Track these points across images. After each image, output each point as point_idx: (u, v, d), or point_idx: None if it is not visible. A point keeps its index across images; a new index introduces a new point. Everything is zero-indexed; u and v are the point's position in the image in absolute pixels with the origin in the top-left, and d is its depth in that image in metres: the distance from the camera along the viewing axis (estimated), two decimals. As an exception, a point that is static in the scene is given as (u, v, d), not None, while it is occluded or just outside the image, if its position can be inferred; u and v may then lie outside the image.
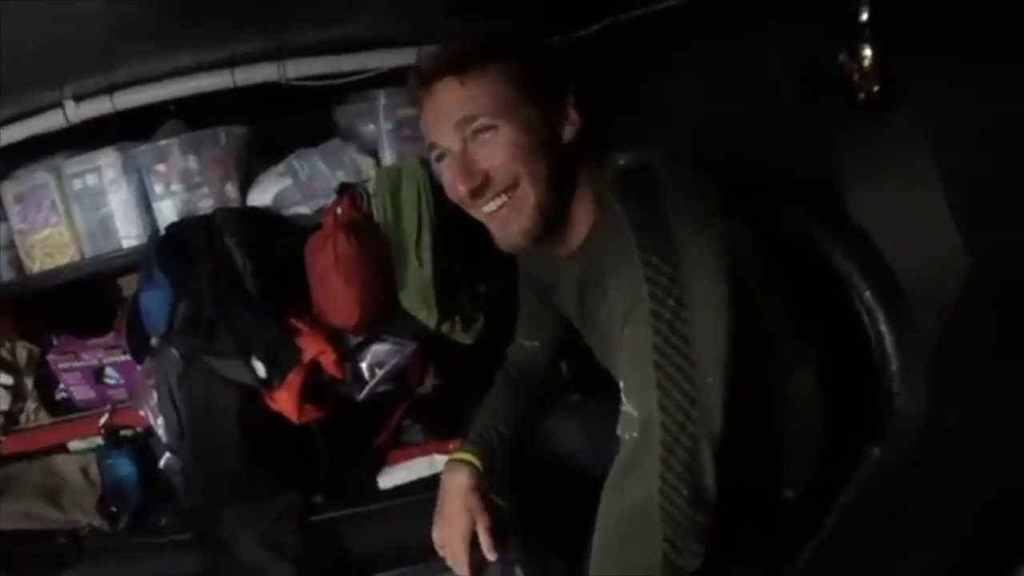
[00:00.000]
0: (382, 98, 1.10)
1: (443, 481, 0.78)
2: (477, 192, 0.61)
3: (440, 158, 0.64)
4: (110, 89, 1.15)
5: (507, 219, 0.63)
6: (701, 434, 0.54)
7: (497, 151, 0.60)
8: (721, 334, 0.55)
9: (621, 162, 0.65)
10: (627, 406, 0.57)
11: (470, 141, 0.61)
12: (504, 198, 0.62)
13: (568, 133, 0.63)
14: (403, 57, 1.06)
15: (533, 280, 0.82)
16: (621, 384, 0.58)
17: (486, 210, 0.63)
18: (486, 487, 0.77)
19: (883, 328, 0.65)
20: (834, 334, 0.68)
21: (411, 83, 0.65)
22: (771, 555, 0.69)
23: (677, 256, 0.56)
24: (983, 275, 0.61)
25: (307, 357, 1.03)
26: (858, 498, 0.66)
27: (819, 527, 0.67)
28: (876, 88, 0.65)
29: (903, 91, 0.65)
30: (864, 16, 0.65)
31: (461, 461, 0.77)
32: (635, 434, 0.56)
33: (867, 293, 0.66)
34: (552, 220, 0.63)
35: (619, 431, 0.58)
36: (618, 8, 0.98)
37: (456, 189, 0.62)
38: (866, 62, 0.65)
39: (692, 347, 0.54)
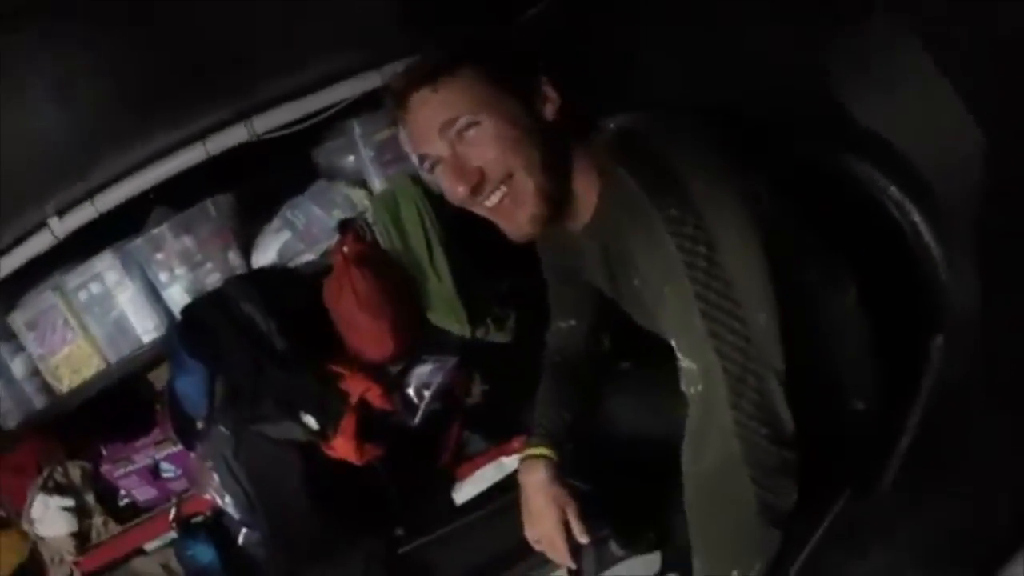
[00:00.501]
0: (356, 127, 1.11)
1: (521, 480, 0.79)
2: (476, 189, 0.62)
3: (433, 168, 0.65)
4: (89, 194, 1.16)
5: (511, 209, 0.63)
6: (764, 370, 0.55)
7: (486, 146, 0.61)
8: (757, 270, 0.55)
9: (612, 126, 0.66)
10: (685, 361, 0.58)
11: (457, 143, 0.62)
12: (504, 189, 0.62)
13: (550, 112, 0.64)
14: (367, 82, 1.07)
15: (556, 267, 0.83)
16: (673, 342, 0.59)
17: (488, 205, 0.63)
18: (563, 475, 0.77)
19: (916, 219, 0.65)
20: (873, 247, 0.68)
21: (388, 105, 0.66)
22: (861, 471, 0.69)
23: (695, 203, 0.56)
24: (998, 159, 0.61)
25: (354, 398, 1.03)
26: (934, 394, 0.66)
27: (903, 432, 0.67)
28: None
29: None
30: None
31: (535, 456, 0.78)
32: (700, 387, 0.57)
33: (892, 188, 0.66)
34: (555, 200, 0.64)
35: (683, 388, 0.59)
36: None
37: (455, 191, 0.63)
38: None
39: (733, 288, 0.55)
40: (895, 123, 0.69)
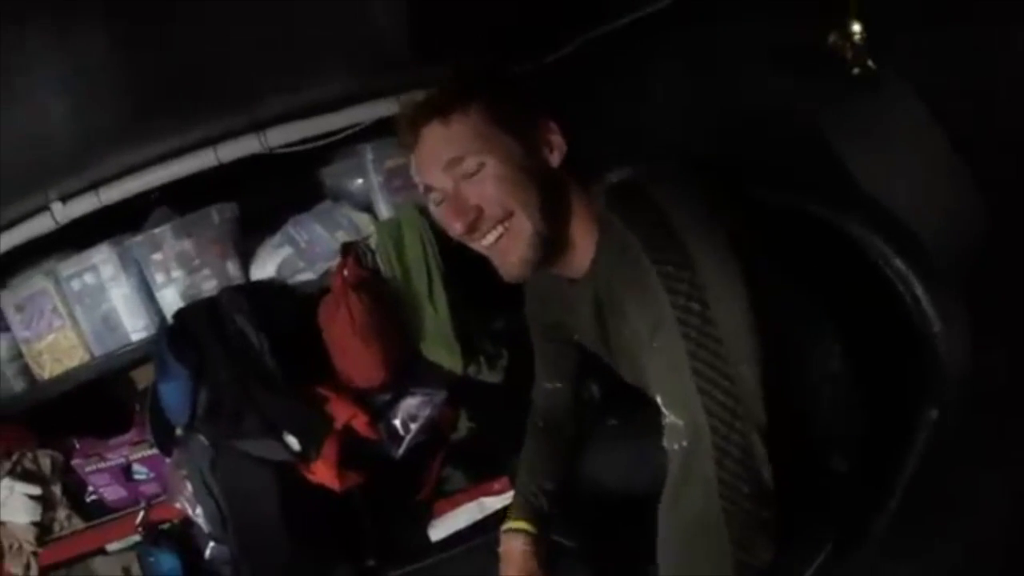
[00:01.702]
0: (369, 152, 1.12)
1: (501, 551, 0.82)
2: (472, 226, 0.64)
3: (436, 200, 0.67)
4: (95, 185, 1.17)
5: (507, 249, 0.65)
6: (749, 428, 0.56)
7: (487, 186, 0.63)
8: (746, 327, 0.56)
9: (613, 180, 0.68)
10: (670, 418, 0.58)
11: (460, 180, 0.64)
12: (500, 229, 0.64)
13: (555, 159, 0.66)
14: (383, 108, 1.08)
15: (544, 323, 0.84)
16: (659, 398, 0.60)
17: (485, 243, 0.66)
18: (543, 549, 0.80)
19: (919, 292, 0.66)
20: (863, 307, 0.70)
21: (400, 130, 0.68)
22: (845, 529, 0.70)
23: (690, 260, 0.57)
24: (997, 220, 0.62)
25: (339, 423, 1.04)
26: (923, 463, 0.67)
27: (888, 498, 0.69)
28: (870, 62, 0.68)
29: (886, 57, 0.67)
30: None
31: (514, 530, 0.81)
32: (685, 443, 0.57)
33: (896, 260, 0.67)
34: (551, 245, 0.66)
35: (665, 443, 0.59)
36: (585, 27, 1.00)
37: (453, 227, 0.65)
38: (856, 38, 0.68)
39: (724, 345, 0.56)
40: (893, 186, 0.70)
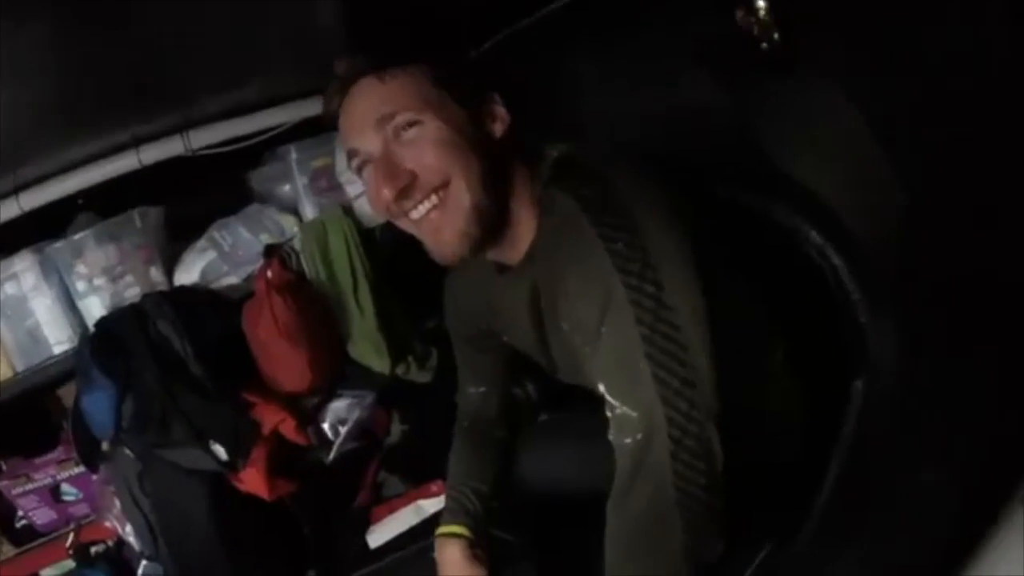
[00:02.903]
0: (293, 152, 1.12)
1: (437, 558, 0.81)
2: (404, 193, 0.58)
3: (361, 167, 0.62)
4: (15, 190, 1.15)
5: (440, 224, 0.59)
6: (705, 417, 0.53)
7: (424, 148, 0.58)
8: (702, 312, 0.54)
9: (555, 153, 0.64)
10: (621, 408, 0.55)
11: (392, 141, 0.59)
12: (435, 199, 0.59)
13: (498, 129, 0.62)
14: (309, 109, 1.09)
15: (466, 326, 0.82)
16: (603, 387, 0.56)
17: (415, 216, 0.60)
18: (481, 550, 0.79)
19: (836, 262, 0.66)
20: (795, 292, 0.71)
21: (329, 92, 0.62)
22: (783, 523, 0.70)
23: (642, 238, 0.54)
24: (918, 205, 0.65)
25: (267, 429, 1.03)
26: (854, 441, 0.67)
27: (821, 485, 0.69)
28: (776, 35, 0.69)
29: (804, 41, 0.70)
30: None
31: (447, 535, 0.80)
32: (639, 436, 0.54)
33: (813, 232, 0.68)
34: (491, 221, 0.61)
35: (612, 437, 0.56)
36: (509, 20, 1.02)
37: (380, 194, 0.59)
38: (762, 12, 0.70)
39: (680, 331, 0.53)
40: (817, 171, 0.71)
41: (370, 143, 0.59)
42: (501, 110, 0.62)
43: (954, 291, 0.61)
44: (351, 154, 0.62)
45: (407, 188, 0.58)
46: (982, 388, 0.58)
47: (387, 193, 0.58)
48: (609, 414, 0.56)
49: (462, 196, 0.59)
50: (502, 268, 0.67)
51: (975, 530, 0.48)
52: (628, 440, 0.55)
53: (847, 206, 0.70)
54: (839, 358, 0.69)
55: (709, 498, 0.54)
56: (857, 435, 0.68)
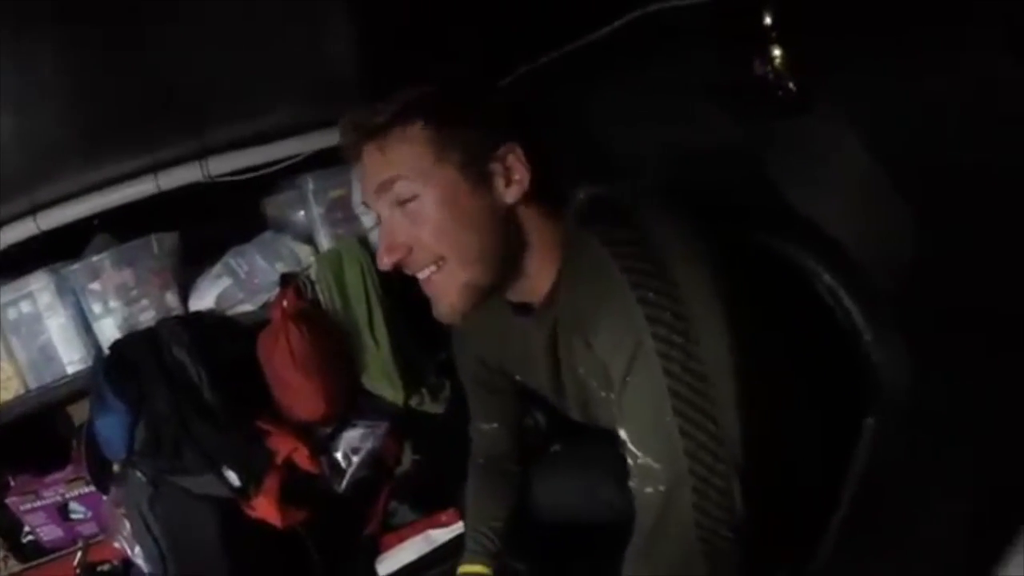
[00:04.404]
0: (310, 183, 1.15)
1: None
2: (399, 265, 0.61)
3: (375, 221, 0.68)
4: (32, 210, 1.18)
5: (438, 290, 0.61)
6: (730, 471, 0.53)
7: (420, 227, 0.59)
8: (730, 363, 0.54)
9: (582, 196, 0.64)
10: (644, 458, 0.55)
11: (394, 208, 0.60)
12: (433, 267, 0.60)
13: (512, 193, 0.60)
14: (326, 139, 1.12)
15: (477, 364, 0.83)
16: (625, 435, 0.56)
17: (419, 277, 0.62)
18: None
19: (848, 304, 0.67)
20: (809, 333, 0.73)
21: (343, 147, 0.64)
22: (796, 552, 0.72)
23: (673, 287, 0.54)
24: (930, 242, 0.67)
25: (280, 458, 1.06)
26: (866, 474, 0.68)
27: (833, 515, 0.70)
28: (791, 84, 0.72)
29: (818, 88, 0.72)
30: (768, 20, 0.72)
31: (469, 574, 0.83)
32: (661, 488, 0.54)
33: (826, 276, 0.69)
34: (488, 292, 0.62)
35: (633, 485, 0.57)
36: (528, 57, 1.05)
37: (380, 261, 0.62)
38: (777, 61, 0.72)
39: (708, 384, 0.53)
40: (827, 211, 0.72)
41: (377, 206, 0.62)
42: (520, 168, 0.60)
43: (966, 328, 0.63)
44: (367, 206, 0.65)
45: (403, 260, 0.61)
46: (993, 420, 0.61)
47: (386, 261, 0.61)
48: (631, 462, 0.56)
49: (456, 274, 0.60)
50: (518, 308, 0.68)
51: (988, 557, 0.49)
52: (650, 490, 0.55)
53: (858, 244, 0.72)
54: (850, 391, 0.71)
55: (732, 548, 0.55)
56: (869, 469, 0.70)
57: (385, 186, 0.59)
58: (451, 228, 0.59)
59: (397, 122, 0.59)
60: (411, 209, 0.59)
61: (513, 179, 0.60)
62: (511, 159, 0.60)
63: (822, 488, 0.71)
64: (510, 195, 0.60)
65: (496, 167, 0.60)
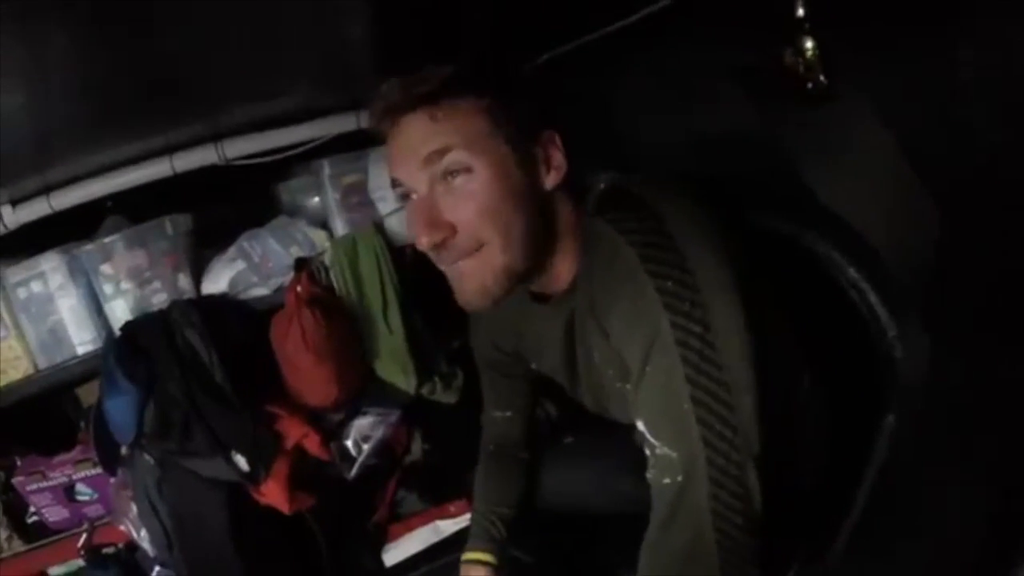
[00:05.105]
0: (327, 168, 1.15)
1: None
2: (440, 246, 0.58)
3: (404, 197, 0.61)
4: (46, 190, 1.19)
5: (468, 273, 0.59)
6: (745, 458, 0.54)
7: (467, 203, 0.57)
8: (746, 352, 0.54)
9: (602, 185, 0.63)
10: (662, 448, 0.55)
11: (438, 182, 0.57)
12: (469, 260, 0.59)
13: (552, 180, 0.59)
14: (343, 124, 1.12)
15: (494, 352, 0.83)
16: (643, 425, 0.56)
17: (450, 263, 0.60)
18: (505, 562, 0.83)
19: (873, 299, 0.68)
20: (829, 324, 0.73)
21: (376, 113, 0.60)
22: (809, 546, 0.73)
23: (691, 276, 0.54)
24: (954, 236, 0.67)
25: (290, 443, 1.06)
26: (884, 471, 0.69)
27: (849, 509, 0.71)
28: (822, 77, 0.72)
29: (844, 77, 0.72)
30: (800, 12, 0.70)
31: (474, 561, 0.83)
32: (679, 478, 0.55)
33: (851, 270, 0.69)
34: (519, 281, 0.61)
35: (650, 476, 0.57)
36: (548, 44, 1.05)
37: (418, 241, 0.59)
38: (809, 54, 0.71)
39: (724, 372, 0.53)
40: (852, 201, 0.72)
41: (415, 180, 0.58)
42: (559, 157, 0.60)
43: (989, 321, 0.63)
44: (395, 182, 0.62)
45: (445, 241, 0.58)
46: (1014, 416, 0.60)
47: (425, 241, 0.58)
48: (648, 452, 0.57)
49: (496, 258, 0.58)
50: (537, 296, 0.68)
51: (1006, 554, 0.49)
52: (667, 480, 0.56)
53: (882, 237, 0.71)
54: (868, 385, 0.71)
55: (747, 538, 0.55)
56: (886, 465, 0.70)
57: (434, 157, 0.56)
58: (499, 207, 0.57)
59: (452, 90, 0.56)
60: (458, 184, 0.57)
61: (553, 165, 0.60)
62: (551, 146, 0.60)
63: (837, 483, 0.72)
64: (550, 181, 0.60)
65: (539, 151, 0.59)
